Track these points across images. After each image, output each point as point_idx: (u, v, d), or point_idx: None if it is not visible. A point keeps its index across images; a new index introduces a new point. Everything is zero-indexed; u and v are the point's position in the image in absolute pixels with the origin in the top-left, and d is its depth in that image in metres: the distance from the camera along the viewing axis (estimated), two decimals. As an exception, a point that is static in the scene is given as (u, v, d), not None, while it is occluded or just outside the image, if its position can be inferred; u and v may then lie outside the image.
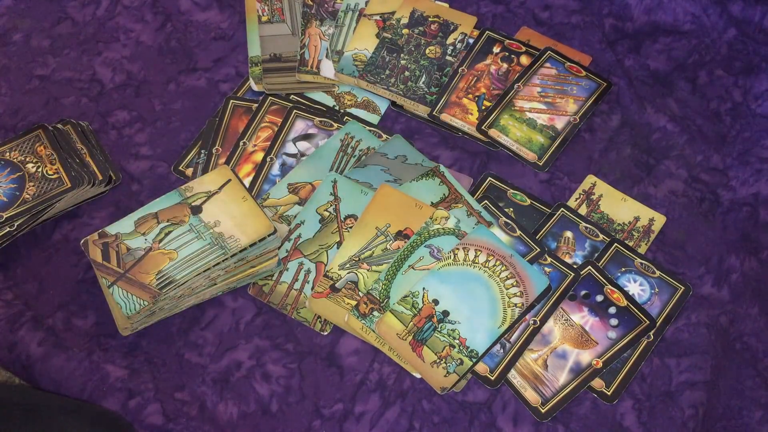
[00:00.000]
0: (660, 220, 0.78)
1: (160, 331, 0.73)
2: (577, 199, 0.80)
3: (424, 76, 0.85)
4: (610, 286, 0.74)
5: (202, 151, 0.82)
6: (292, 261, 0.75)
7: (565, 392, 0.69)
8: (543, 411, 0.69)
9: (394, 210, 0.75)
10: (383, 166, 0.79)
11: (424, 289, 0.71)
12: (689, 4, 0.90)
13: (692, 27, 0.89)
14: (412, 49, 0.86)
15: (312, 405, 0.70)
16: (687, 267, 0.76)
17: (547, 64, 0.86)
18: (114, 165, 0.81)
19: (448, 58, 0.86)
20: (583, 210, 0.79)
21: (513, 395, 0.70)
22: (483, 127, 0.82)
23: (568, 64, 0.86)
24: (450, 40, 0.87)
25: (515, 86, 0.84)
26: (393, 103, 0.86)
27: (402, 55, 0.86)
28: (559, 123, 0.83)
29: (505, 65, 0.85)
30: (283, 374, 0.71)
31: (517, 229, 0.76)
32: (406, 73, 0.85)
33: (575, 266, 0.75)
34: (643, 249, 0.77)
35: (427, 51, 0.86)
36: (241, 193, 0.72)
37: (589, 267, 0.74)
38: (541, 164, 0.81)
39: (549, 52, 0.86)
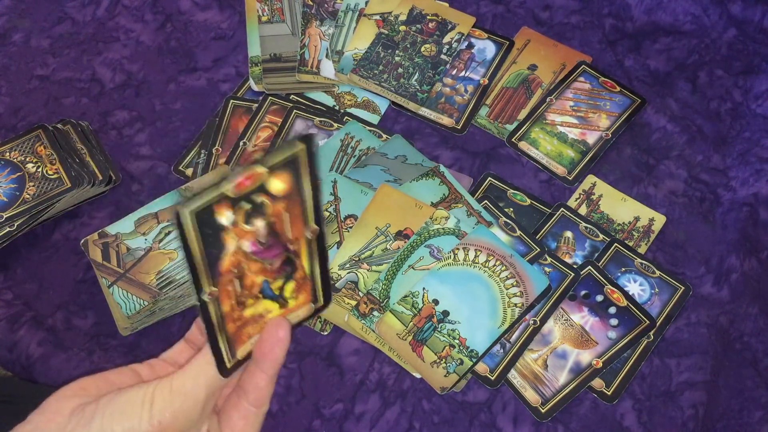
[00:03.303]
0: (660, 220, 0.78)
1: (160, 331, 0.73)
2: (577, 199, 0.80)
3: (417, 73, 0.85)
4: (610, 286, 0.74)
5: (202, 151, 0.82)
6: (292, 261, 0.75)
7: (565, 392, 0.69)
8: (543, 411, 0.69)
9: (394, 210, 0.75)
10: (383, 166, 0.79)
11: (424, 289, 0.71)
12: (689, 4, 0.90)
13: (692, 27, 0.89)
14: (408, 46, 0.86)
15: (312, 405, 0.70)
16: (687, 267, 0.76)
17: (581, 79, 0.86)
18: (114, 165, 0.81)
19: (443, 56, 0.86)
20: (583, 210, 0.79)
21: (513, 395, 0.70)
22: (513, 140, 0.82)
23: (602, 79, 0.85)
24: (446, 39, 0.87)
25: (547, 99, 0.84)
26: (393, 102, 0.86)
27: (397, 51, 0.86)
28: (591, 138, 0.82)
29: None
30: (283, 374, 0.71)
31: (517, 229, 0.76)
32: (400, 70, 0.85)
33: (575, 266, 0.75)
34: (643, 249, 0.77)
35: (422, 49, 0.86)
36: (242, 193, 0.72)
37: (589, 267, 0.74)
38: (570, 178, 0.80)
39: (583, 66, 0.86)
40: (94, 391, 0.38)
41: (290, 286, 0.38)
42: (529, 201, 0.79)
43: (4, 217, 0.73)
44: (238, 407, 0.38)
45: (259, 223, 0.34)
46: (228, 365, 0.37)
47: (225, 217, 0.32)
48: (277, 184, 0.33)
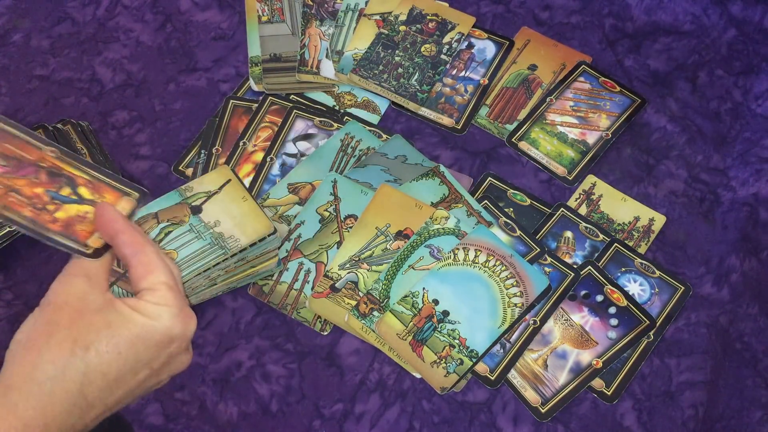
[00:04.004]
0: (660, 220, 0.78)
1: (160, 331, 0.73)
2: (577, 199, 0.80)
3: (417, 73, 0.85)
4: (610, 286, 0.74)
5: (202, 151, 0.82)
6: (292, 261, 0.75)
7: (565, 392, 0.69)
8: (543, 411, 0.69)
9: (394, 210, 0.75)
10: (383, 166, 0.79)
11: (424, 289, 0.71)
12: (689, 4, 0.90)
13: (692, 27, 0.89)
14: (408, 46, 0.86)
15: (312, 405, 0.70)
16: (687, 267, 0.76)
17: (581, 79, 0.86)
18: (114, 165, 0.81)
19: (443, 56, 0.86)
20: (583, 210, 0.79)
21: (513, 395, 0.70)
22: (513, 140, 0.82)
23: (602, 79, 0.85)
24: (446, 39, 0.87)
25: (547, 99, 0.84)
26: (393, 102, 0.86)
27: (397, 51, 0.86)
28: (591, 138, 0.82)
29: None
30: (283, 374, 0.71)
31: (517, 229, 0.76)
32: (400, 70, 0.85)
33: (575, 266, 0.75)
34: (643, 249, 0.77)
35: (422, 49, 0.86)
36: (241, 193, 0.72)
37: (589, 267, 0.74)
38: (570, 178, 0.80)
39: (583, 66, 0.86)
40: None
41: (83, 190, 0.46)
42: (529, 201, 0.79)
43: (4, 217, 0.73)
44: (132, 255, 0.43)
45: None
46: (87, 251, 0.44)
47: None
48: None
